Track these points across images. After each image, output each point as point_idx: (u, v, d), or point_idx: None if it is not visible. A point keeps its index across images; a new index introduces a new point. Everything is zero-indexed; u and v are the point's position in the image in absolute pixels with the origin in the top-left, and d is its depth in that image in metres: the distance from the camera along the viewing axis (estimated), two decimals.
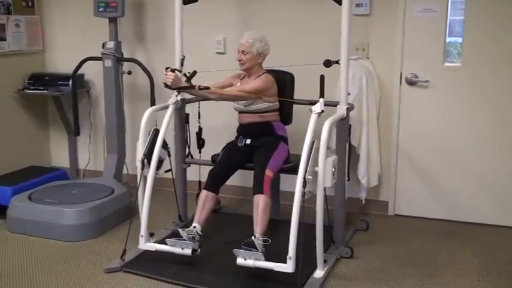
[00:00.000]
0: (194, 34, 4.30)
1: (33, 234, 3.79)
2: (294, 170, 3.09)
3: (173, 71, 3.42)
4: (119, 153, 4.53)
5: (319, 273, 3.15)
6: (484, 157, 3.99)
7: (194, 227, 3.29)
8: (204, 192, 3.41)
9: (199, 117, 4.01)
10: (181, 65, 3.77)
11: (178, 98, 3.62)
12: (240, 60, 3.53)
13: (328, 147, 3.06)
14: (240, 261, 3.01)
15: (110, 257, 3.47)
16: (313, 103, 3.14)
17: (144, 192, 3.37)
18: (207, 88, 3.38)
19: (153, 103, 4.33)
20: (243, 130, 3.64)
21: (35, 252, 3.56)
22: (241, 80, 3.64)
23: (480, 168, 4.01)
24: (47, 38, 5.07)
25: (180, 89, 3.49)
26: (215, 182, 3.44)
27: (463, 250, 3.63)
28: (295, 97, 3.70)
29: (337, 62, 3.32)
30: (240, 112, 3.63)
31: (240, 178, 4.27)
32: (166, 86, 3.44)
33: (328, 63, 3.28)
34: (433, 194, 4.16)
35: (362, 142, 4.00)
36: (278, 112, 3.64)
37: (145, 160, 3.40)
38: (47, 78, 4.85)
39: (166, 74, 3.39)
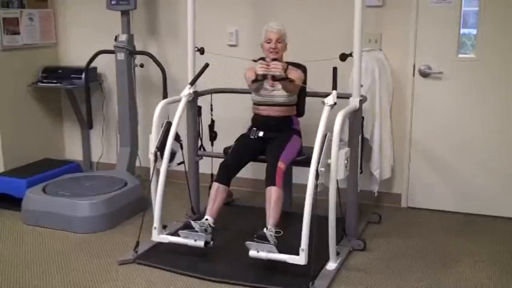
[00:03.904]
0: (206, 26, 4.30)
1: (47, 226, 3.83)
2: (306, 163, 3.08)
3: (275, 60, 3.35)
4: (131, 146, 4.55)
5: (331, 265, 3.15)
6: (499, 149, 3.95)
7: (206, 219, 3.29)
8: (215, 185, 3.40)
9: (211, 110, 4.02)
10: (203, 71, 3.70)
11: (191, 90, 3.62)
12: (274, 49, 3.48)
13: (340, 140, 3.05)
14: (252, 253, 3.02)
15: (123, 249, 3.49)
16: (326, 95, 3.13)
17: (157, 185, 3.39)
18: (293, 81, 3.35)
19: (165, 96, 4.34)
20: (261, 122, 3.60)
21: (49, 244, 3.60)
22: None
23: (494, 160, 3.97)
24: (60, 32, 5.09)
25: (279, 80, 3.36)
26: (226, 174, 3.42)
27: (477, 242, 3.61)
28: (307, 89, 3.69)
29: (350, 55, 3.30)
30: (260, 104, 3.60)
31: (253, 171, 4.29)
32: (264, 77, 3.35)
33: (343, 57, 3.27)
34: (447, 186, 4.14)
35: (375, 134, 3.98)
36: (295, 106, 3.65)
37: (158, 153, 3.41)
38: (60, 71, 4.87)
39: (268, 65, 3.30)
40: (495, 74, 3.86)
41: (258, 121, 3.63)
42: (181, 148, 3.58)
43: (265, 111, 3.58)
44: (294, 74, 3.45)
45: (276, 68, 3.28)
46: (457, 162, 4.07)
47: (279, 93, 3.52)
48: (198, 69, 3.69)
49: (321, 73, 3.42)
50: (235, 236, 3.50)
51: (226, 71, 4.29)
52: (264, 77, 3.35)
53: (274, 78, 3.34)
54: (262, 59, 3.52)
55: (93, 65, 4.63)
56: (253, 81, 3.41)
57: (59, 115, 5.23)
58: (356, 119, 3.42)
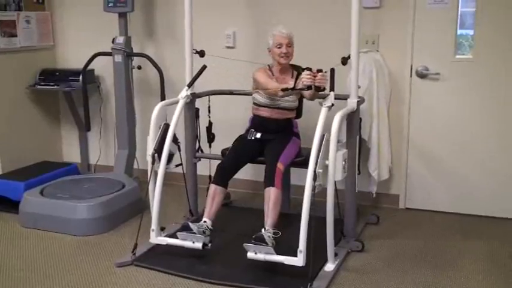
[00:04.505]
0: (204, 28, 4.30)
1: (45, 228, 3.82)
2: (304, 164, 3.08)
3: (320, 71, 3.09)
4: (129, 148, 4.55)
5: (329, 266, 3.16)
6: (497, 150, 3.95)
7: (204, 221, 3.29)
8: (212, 187, 3.40)
9: (209, 112, 4.02)
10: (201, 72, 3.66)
11: (188, 92, 3.62)
12: (285, 54, 3.47)
13: (338, 141, 3.05)
14: (250, 255, 3.01)
15: (121, 251, 3.49)
16: (324, 97, 3.13)
17: (154, 187, 3.38)
18: (324, 90, 3.19)
19: (163, 98, 4.34)
20: (261, 123, 3.59)
21: (47, 246, 3.59)
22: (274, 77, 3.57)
23: (493, 161, 3.98)
24: (57, 34, 5.09)
25: (321, 91, 3.15)
26: (223, 176, 3.42)
27: (475, 244, 3.61)
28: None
29: (348, 57, 3.31)
30: (264, 106, 3.57)
31: (252, 172, 4.29)
32: (309, 88, 3.09)
33: (345, 61, 3.27)
34: (445, 187, 4.14)
35: (372, 135, 3.98)
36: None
37: (156, 155, 3.41)
38: (57, 73, 4.87)
39: (315, 76, 3.06)
40: (492, 75, 3.86)
41: (258, 122, 3.63)
42: (179, 150, 3.57)
43: (267, 113, 3.58)
44: None
45: (322, 80, 3.10)
46: (455, 163, 4.08)
47: (289, 98, 3.53)
48: (195, 71, 3.69)
49: None
50: (234, 238, 3.50)
51: (224, 72, 4.29)
52: (309, 87, 3.14)
53: (318, 89, 3.14)
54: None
55: (90, 67, 4.63)
56: (286, 89, 3.23)
57: (57, 117, 5.22)
58: (354, 120, 3.42)
